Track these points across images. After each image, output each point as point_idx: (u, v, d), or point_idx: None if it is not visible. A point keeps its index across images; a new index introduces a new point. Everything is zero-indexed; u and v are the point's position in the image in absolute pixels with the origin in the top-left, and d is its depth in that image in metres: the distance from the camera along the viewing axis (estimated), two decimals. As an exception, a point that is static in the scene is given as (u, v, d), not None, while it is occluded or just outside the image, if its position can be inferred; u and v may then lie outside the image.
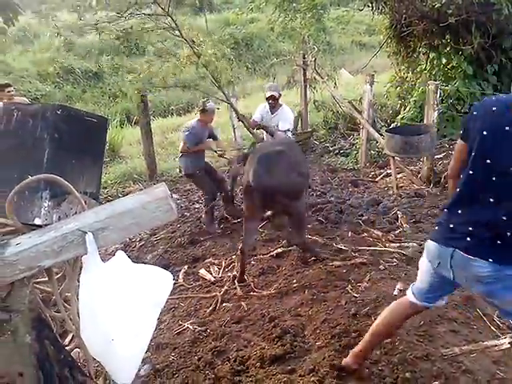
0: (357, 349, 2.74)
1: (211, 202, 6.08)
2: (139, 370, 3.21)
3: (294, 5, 8.22)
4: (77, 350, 2.19)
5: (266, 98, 6.19)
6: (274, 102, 6.12)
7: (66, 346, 2.13)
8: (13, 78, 14.86)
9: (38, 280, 1.84)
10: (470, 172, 2.11)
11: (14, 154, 1.67)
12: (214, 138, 6.53)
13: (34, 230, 1.60)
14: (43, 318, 1.77)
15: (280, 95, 6.23)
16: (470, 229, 2.10)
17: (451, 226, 2.19)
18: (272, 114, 6.15)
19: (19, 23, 18.71)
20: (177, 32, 5.60)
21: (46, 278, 1.79)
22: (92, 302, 1.59)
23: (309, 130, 9.19)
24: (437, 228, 2.31)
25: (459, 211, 2.17)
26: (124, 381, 1.71)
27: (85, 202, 1.68)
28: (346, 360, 2.78)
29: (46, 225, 1.62)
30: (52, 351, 1.74)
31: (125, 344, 1.56)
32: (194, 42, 5.90)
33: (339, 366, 2.79)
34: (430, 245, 2.30)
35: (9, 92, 6.65)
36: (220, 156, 6.64)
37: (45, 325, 1.75)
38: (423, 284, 2.43)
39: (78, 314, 1.84)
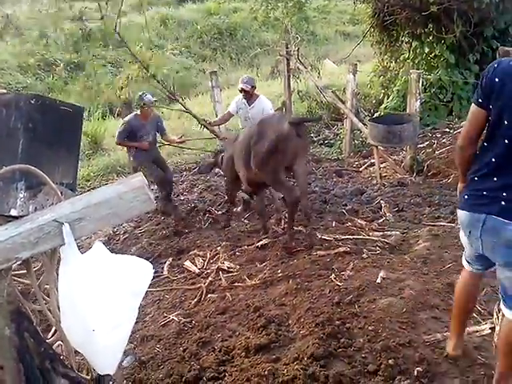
0: (454, 331, 2.78)
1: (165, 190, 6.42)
2: (122, 362, 3.21)
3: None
4: (59, 342, 2.17)
5: (239, 91, 6.16)
6: (246, 95, 6.05)
7: (49, 339, 2.10)
8: (-7, 69, 14.64)
9: (17, 272, 1.81)
10: (506, 141, 2.11)
11: (-13, 145, 1.64)
12: (162, 130, 6.66)
13: (9, 221, 1.58)
14: (22, 311, 1.75)
15: (253, 87, 6.06)
16: (504, 194, 2.14)
17: (484, 193, 2.22)
18: (249, 105, 6.08)
19: (-2, 15, 18.38)
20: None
21: (25, 271, 1.76)
22: (71, 293, 1.57)
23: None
24: (466, 197, 2.34)
25: (495, 178, 2.20)
26: (106, 371, 1.70)
27: (61, 193, 1.66)
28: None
29: (22, 216, 1.59)
30: (32, 344, 1.72)
31: (105, 334, 1.54)
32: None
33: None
34: (461, 214, 2.35)
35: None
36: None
37: (24, 317, 1.73)
38: (467, 253, 2.54)
39: (58, 305, 1.83)
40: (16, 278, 1.83)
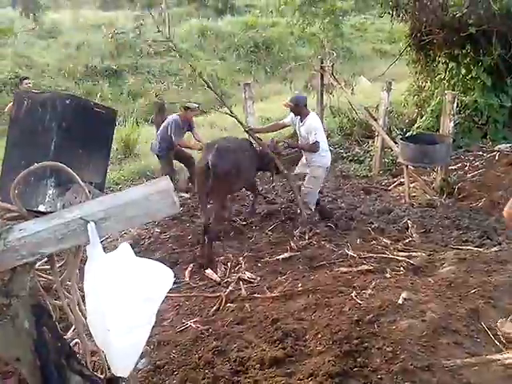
0: None
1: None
2: (137, 364, 3.23)
3: (313, 9, 8.21)
4: (76, 340, 2.21)
5: None
6: (293, 111, 6.06)
7: (67, 335, 2.14)
8: (34, 72, 15.10)
9: (41, 267, 1.86)
10: None
11: (23, 141, 1.69)
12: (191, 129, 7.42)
13: (37, 216, 1.62)
14: (43, 305, 1.79)
15: (297, 105, 5.90)
16: None
17: None
18: (301, 122, 6.04)
19: (44, 20, 19.02)
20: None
21: (49, 266, 1.80)
22: (94, 290, 1.60)
23: None
24: None
25: None
26: (119, 373, 1.71)
27: (90, 192, 1.70)
28: None
29: (49, 212, 1.63)
30: (50, 338, 1.75)
31: (120, 336, 1.56)
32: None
33: None
34: None
35: (27, 84, 6.80)
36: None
37: (44, 312, 1.77)
38: None
39: (78, 302, 1.86)
40: (39, 273, 1.87)
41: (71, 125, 1.67)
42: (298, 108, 5.85)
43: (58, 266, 1.81)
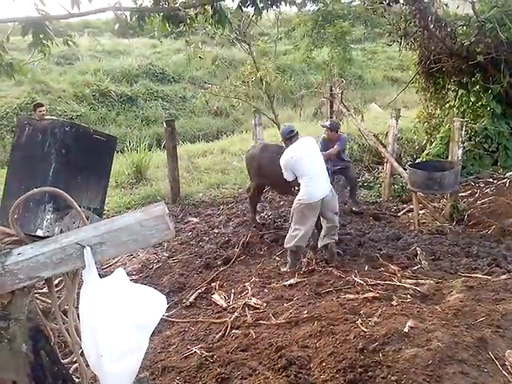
0: None
1: None
2: (136, 389, 3.21)
3: (322, 32, 8.33)
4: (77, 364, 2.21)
5: None
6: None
7: (66, 360, 2.14)
8: (50, 98, 15.45)
9: (40, 291, 1.88)
10: None
11: (23, 167, 1.74)
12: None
13: (35, 241, 1.65)
14: (41, 329, 1.80)
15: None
16: None
17: None
18: None
19: (59, 47, 19.55)
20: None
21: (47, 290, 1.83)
22: (88, 314, 1.62)
23: None
24: None
25: None
26: None
27: (88, 218, 1.73)
28: None
29: (47, 236, 1.67)
30: (47, 362, 1.77)
31: (112, 362, 1.57)
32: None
33: None
34: None
35: (40, 112, 6.92)
36: None
37: (42, 335, 1.79)
38: None
39: (76, 326, 1.88)
40: (38, 297, 1.90)
41: (70, 151, 1.72)
42: (285, 143, 5.67)
43: (56, 290, 1.83)
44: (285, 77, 19.93)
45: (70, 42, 5.31)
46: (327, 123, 7.40)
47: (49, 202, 1.65)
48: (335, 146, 7.03)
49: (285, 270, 5.39)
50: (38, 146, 1.69)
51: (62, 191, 1.60)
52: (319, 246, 5.59)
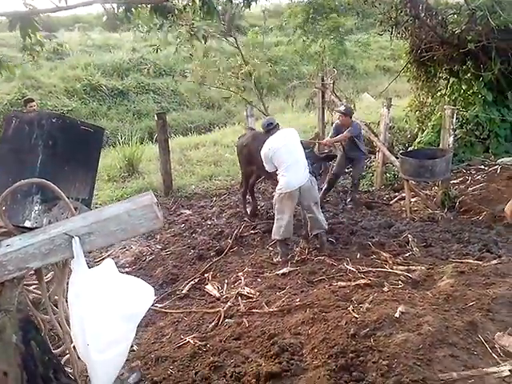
0: None
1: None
2: (128, 378, 3.25)
3: (316, 26, 8.32)
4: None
5: None
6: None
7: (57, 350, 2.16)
8: (41, 93, 15.35)
9: (29, 282, 1.90)
10: None
11: (10, 159, 1.74)
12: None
13: (24, 232, 1.66)
14: (31, 320, 1.82)
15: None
16: None
17: None
18: None
19: (51, 41, 19.35)
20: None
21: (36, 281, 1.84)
22: (76, 304, 1.64)
23: None
24: None
25: None
26: None
27: (76, 209, 1.74)
28: None
29: (35, 228, 1.68)
30: (38, 352, 1.78)
31: (99, 351, 1.59)
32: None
33: None
34: None
35: (31, 107, 6.90)
36: None
37: (32, 326, 1.81)
38: None
39: (66, 316, 1.90)
40: (28, 288, 1.91)
41: (57, 143, 1.72)
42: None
43: (46, 281, 1.84)
44: (276, 68, 19.93)
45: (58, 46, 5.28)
46: (341, 108, 7.27)
47: (37, 193, 1.66)
48: (345, 132, 7.03)
49: (277, 259, 5.43)
50: (25, 138, 1.70)
51: (49, 182, 1.61)
52: (310, 235, 5.63)
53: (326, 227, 5.64)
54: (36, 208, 1.67)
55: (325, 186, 7.52)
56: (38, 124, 1.70)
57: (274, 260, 5.45)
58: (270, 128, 5.55)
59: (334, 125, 7.46)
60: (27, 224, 1.67)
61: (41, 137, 1.69)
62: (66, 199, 1.65)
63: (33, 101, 7.24)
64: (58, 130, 1.73)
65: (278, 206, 5.45)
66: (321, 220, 5.55)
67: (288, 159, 5.34)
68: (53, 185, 1.61)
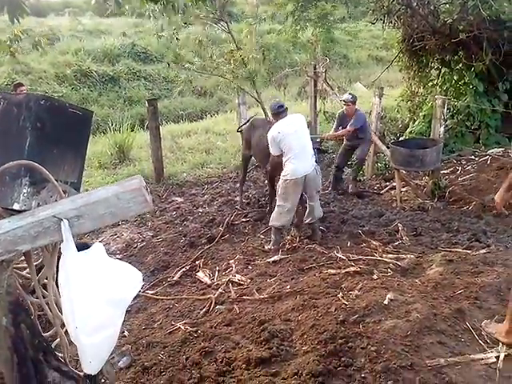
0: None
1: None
2: (119, 362, 3.26)
3: (305, 14, 8.28)
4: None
5: None
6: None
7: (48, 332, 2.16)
8: (31, 78, 15.16)
9: (19, 266, 1.89)
10: None
11: (-2, 141, 1.73)
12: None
13: (12, 215, 1.65)
14: (21, 303, 1.81)
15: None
16: None
17: None
18: None
19: (41, 26, 19.10)
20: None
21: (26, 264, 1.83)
22: (66, 287, 1.63)
23: None
24: None
25: None
26: (88, 371, 1.74)
27: (65, 192, 1.73)
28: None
29: (24, 210, 1.67)
30: (27, 335, 1.78)
31: (87, 334, 1.59)
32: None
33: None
34: None
35: (21, 91, 6.83)
36: None
37: (22, 309, 1.80)
38: None
39: (56, 300, 1.89)
40: (17, 271, 1.90)
41: (46, 125, 1.71)
42: (273, 118, 5.73)
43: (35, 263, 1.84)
44: (270, 56, 19.83)
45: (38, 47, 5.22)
46: (348, 97, 7.16)
47: (25, 175, 1.65)
48: (348, 127, 7.03)
49: (269, 247, 5.44)
50: (13, 120, 1.68)
51: (38, 165, 1.60)
52: (304, 222, 5.64)
53: (321, 215, 5.66)
54: (25, 190, 1.65)
55: (331, 179, 7.64)
56: (26, 106, 1.68)
57: (266, 247, 5.46)
58: (280, 111, 5.47)
59: (337, 115, 7.42)
60: (16, 206, 1.65)
61: (29, 119, 1.67)
62: (55, 182, 1.64)
63: (23, 85, 7.17)
64: (47, 112, 1.71)
65: (282, 192, 5.39)
66: (318, 209, 5.58)
67: (297, 146, 5.28)
68: (41, 167, 1.60)
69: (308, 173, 5.29)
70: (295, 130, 5.33)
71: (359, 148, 7.37)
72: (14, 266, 1.82)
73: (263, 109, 6.13)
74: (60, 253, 1.68)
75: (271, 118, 5.78)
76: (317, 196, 5.57)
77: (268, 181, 6.53)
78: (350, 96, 7.19)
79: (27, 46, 17.49)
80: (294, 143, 5.27)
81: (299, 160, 5.27)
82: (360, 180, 8.07)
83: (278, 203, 5.46)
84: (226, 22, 6.23)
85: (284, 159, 5.33)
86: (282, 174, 5.37)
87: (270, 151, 5.47)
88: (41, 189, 1.69)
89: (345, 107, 7.18)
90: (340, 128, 7.34)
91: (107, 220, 1.64)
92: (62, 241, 1.62)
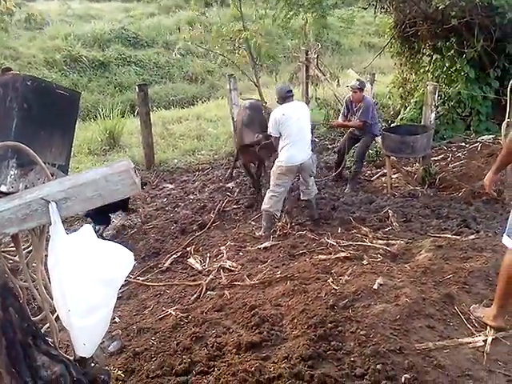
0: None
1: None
2: (109, 346, 3.26)
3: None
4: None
5: None
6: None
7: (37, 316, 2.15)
8: (20, 64, 14.95)
9: (6, 249, 1.87)
10: None
11: (-16, 123, 1.70)
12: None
13: (0, 197, 1.63)
14: (9, 287, 1.80)
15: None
16: None
17: None
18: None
19: (29, 9, 18.78)
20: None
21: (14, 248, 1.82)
22: (56, 270, 1.62)
23: None
24: None
25: None
26: (81, 353, 1.74)
27: (52, 174, 1.71)
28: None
29: (12, 193, 1.65)
30: (16, 319, 1.77)
31: (80, 317, 1.58)
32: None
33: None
34: None
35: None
36: None
37: (10, 293, 1.78)
38: None
39: (44, 284, 1.88)
40: (6, 255, 1.89)
41: (32, 106, 1.68)
42: (279, 102, 5.64)
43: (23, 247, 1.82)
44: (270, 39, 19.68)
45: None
46: (356, 83, 6.88)
47: (12, 157, 1.63)
48: (358, 121, 6.86)
49: (260, 233, 5.45)
50: (-1, 102, 1.66)
51: (25, 146, 1.58)
52: (301, 199, 5.77)
53: (317, 191, 5.84)
54: (12, 172, 1.63)
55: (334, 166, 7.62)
56: (12, 87, 1.66)
57: (257, 234, 5.47)
58: (289, 95, 5.52)
59: (344, 101, 7.25)
60: (3, 189, 1.63)
61: (15, 99, 1.65)
62: (42, 164, 1.62)
63: (11, 70, 7.05)
64: (33, 93, 1.69)
65: (275, 177, 5.44)
66: (313, 187, 5.70)
67: (297, 134, 5.32)
68: (29, 149, 1.58)
69: (303, 162, 5.34)
70: (298, 117, 5.39)
71: (361, 141, 7.05)
72: (3, 249, 1.80)
73: (260, 93, 6.06)
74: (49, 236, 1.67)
75: (277, 101, 5.72)
76: (311, 179, 5.66)
77: (244, 168, 6.68)
78: (358, 83, 6.91)
79: (16, 30, 17.31)
80: (295, 130, 5.31)
81: (297, 148, 5.32)
82: (350, 167, 8.05)
83: (271, 188, 5.49)
84: (239, 1, 6.09)
85: (281, 144, 5.36)
86: (277, 160, 5.40)
87: (269, 131, 5.49)
88: (28, 171, 1.67)
89: (351, 93, 6.95)
90: (347, 115, 7.18)
91: (95, 202, 1.62)
92: (50, 223, 1.60)
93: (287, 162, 5.32)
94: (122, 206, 6.10)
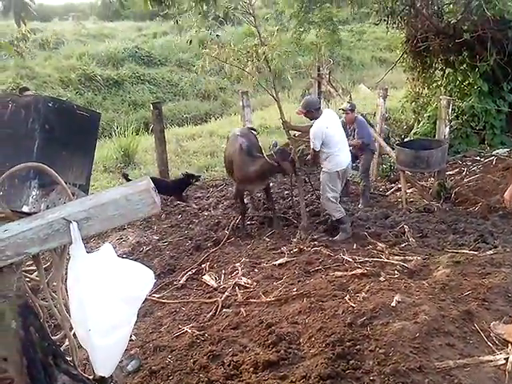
0: None
1: None
2: (127, 365, 3.25)
3: (310, 15, 8.27)
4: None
5: None
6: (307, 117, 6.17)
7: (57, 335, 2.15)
8: (36, 83, 15.23)
9: (28, 268, 1.89)
10: None
11: (7, 144, 1.72)
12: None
13: (22, 217, 1.65)
14: (30, 306, 1.81)
15: (308, 111, 5.96)
16: None
17: None
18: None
19: (46, 30, 19.16)
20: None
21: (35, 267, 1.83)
22: (76, 289, 1.63)
23: None
24: None
25: None
26: (101, 373, 1.74)
27: (74, 194, 1.73)
28: None
29: (33, 213, 1.66)
30: (37, 338, 1.78)
31: (100, 336, 1.59)
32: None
33: None
34: None
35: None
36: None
37: (31, 312, 1.80)
38: None
39: (65, 303, 1.89)
40: (26, 274, 1.90)
41: (54, 127, 1.71)
42: (311, 114, 5.69)
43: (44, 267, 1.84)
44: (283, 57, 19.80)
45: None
46: (347, 105, 7.07)
47: (34, 178, 1.65)
48: (355, 140, 6.89)
49: (340, 238, 5.56)
50: (21, 123, 1.68)
51: (47, 167, 1.60)
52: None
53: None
54: (34, 193, 1.65)
55: None
56: (34, 108, 1.68)
57: (335, 238, 5.56)
58: (319, 107, 5.85)
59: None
60: (25, 209, 1.65)
61: (37, 121, 1.67)
62: (64, 184, 1.64)
63: (28, 89, 7.21)
64: (55, 114, 1.71)
65: (332, 183, 5.65)
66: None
67: (341, 140, 5.70)
68: (50, 169, 1.60)
69: (348, 164, 5.77)
70: (338, 124, 5.80)
71: (363, 158, 7.10)
72: (23, 268, 1.82)
73: (279, 107, 6.04)
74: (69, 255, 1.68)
75: (310, 115, 5.73)
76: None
77: (237, 196, 6.44)
78: (349, 104, 7.16)
79: (32, 50, 17.66)
80: (337, 138, 5.65)
81: (343, 152, 5.70)
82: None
83: (329, 195, 5.64)
84: (254, 17, 6.12)
85: (326, 153, 5.58)
86: (326, 167, 5.67)
87: (312, 145, 5.60)
88: (50, 191, 1.69)
89: (344, 116, 7.05)
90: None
91: (116, 221, 1.63)
92: (71, 243, 1.62)
93: (338, 167, 5.62)
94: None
